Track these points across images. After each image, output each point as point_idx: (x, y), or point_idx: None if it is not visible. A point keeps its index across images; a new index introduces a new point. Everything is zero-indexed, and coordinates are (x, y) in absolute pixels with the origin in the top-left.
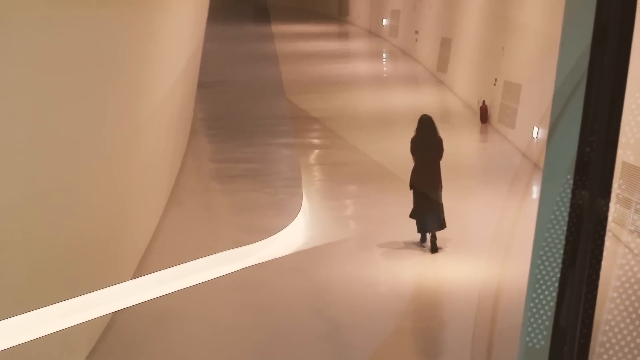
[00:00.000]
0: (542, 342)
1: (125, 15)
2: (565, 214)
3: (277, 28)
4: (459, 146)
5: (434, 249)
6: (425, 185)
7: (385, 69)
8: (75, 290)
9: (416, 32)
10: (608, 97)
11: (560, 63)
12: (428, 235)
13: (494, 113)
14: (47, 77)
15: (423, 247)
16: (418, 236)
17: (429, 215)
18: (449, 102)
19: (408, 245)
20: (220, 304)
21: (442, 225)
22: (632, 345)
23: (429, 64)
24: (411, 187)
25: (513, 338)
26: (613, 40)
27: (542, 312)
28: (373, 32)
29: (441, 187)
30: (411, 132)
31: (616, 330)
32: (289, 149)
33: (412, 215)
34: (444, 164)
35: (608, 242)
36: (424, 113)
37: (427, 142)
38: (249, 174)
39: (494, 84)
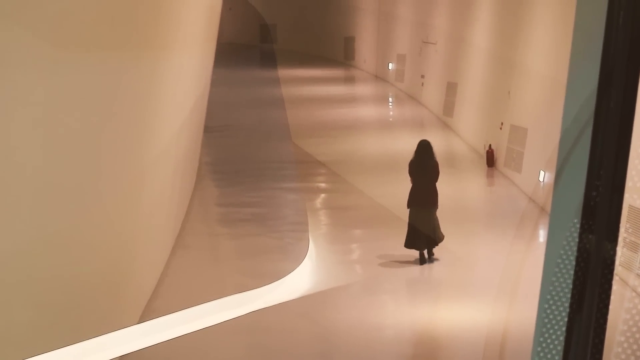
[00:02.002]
0: None
1: (131, 58)
2: (572, 257)
3: (284, 72)
4: (466, 190)
5: (423, 261)
6: (422, 205)
7: (391, 113)
8: (81, 334)
9: (422, 77)
10: (615, 140)
11: (566, 106)
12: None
13: (500, 157)
14: (51, 119)
15: (422, 265)
16: (424, 278)
17: (422, 234)
18: (455, 146)
19: (414, 289)
20: (226, 348)
21: (436, 242)
22: None
23: (435, 108)
24: (408, 206)
25: None
26: (619, 84)
27: (549, 356)
28: (379, 77)
29: (437, 206)
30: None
31: None
32: (294, 193)
33: (408, 236)
34: (450, 207)
35: (615, 286)
36: (422, 138)
37: (424, 165)
38: (255, 218)
39: (500, 128)
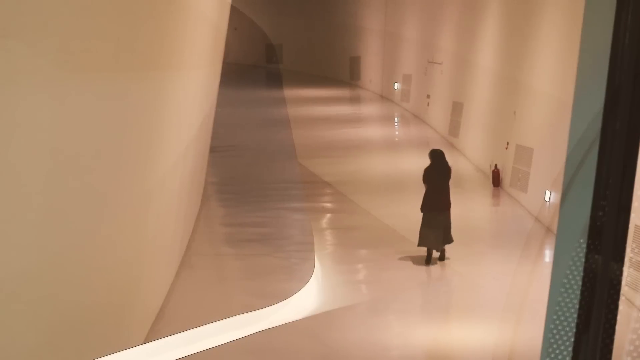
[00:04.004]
0: None
1: (137, 79)
2: (579, 278)
3: (290, 92)
4: (471, 210)
5: (429, 261)
6: (437, 207)
7: (397, 133)
8: (86, 355)
9: (428, 97)
10: (621, 160)
11: (572, 127)
12: (434, 254)
13: (506, 177)
14: (59, 141)
15: (428, 266)
16: (431, 298)
17: (436, 234)
18: (461, 166)
19: (421, 309)
20: None
21: (448, 241)
22: None
23: (440, 128)
24: (423, 209)
25: None
26: (625, 104)
27: None
28: (385, 97)
29: (450, 207)
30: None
31: None
32: (300, 213)
33: (421, 234)
34: (456, 227)
35: (622, 306)
36: (435, 148)
37: (438, 171)
38: (261, 238)
39: (506, 148)
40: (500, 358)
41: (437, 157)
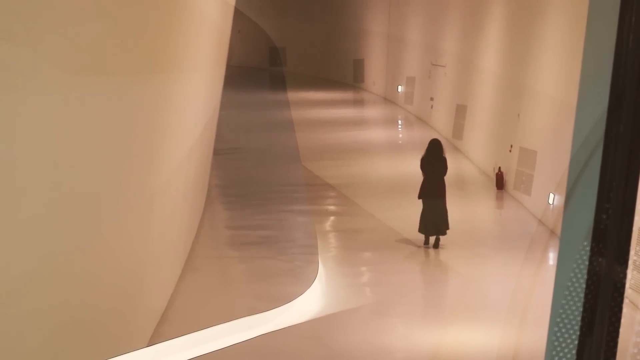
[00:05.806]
0: None
1: (141, 82)
2: (583, 281)
3: (293, 95)
4: (475, 213)
5: (437, 245)
6: (433, 196)
7: (400, 135)
8: (90, 358)
9: (431, 99)
10: (624, 163)
11: (576, 129)
12: (431, 239)
13: (509, 180)
14: (62, 143)
15: (427, 247)
16: (434, 301)
17: (434, 221)
18: (464, 169)
19: (424, 312)
20: None
21: (445, 229)
22: None
23: (444, 130)
24: (420, 197)
25: None
26: (629, 106)
27: None
28: (388, 99)
29: (445, 197)
30: None
31: None
32: (304, 215)
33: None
34: (460, 230)
35: (625, 308)
36: (433, 137)
37: (434, 160)
38: (265, 241)
39: (510, 151)
40: None
41: (433, 145)
